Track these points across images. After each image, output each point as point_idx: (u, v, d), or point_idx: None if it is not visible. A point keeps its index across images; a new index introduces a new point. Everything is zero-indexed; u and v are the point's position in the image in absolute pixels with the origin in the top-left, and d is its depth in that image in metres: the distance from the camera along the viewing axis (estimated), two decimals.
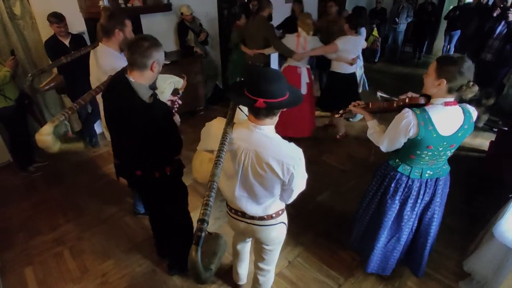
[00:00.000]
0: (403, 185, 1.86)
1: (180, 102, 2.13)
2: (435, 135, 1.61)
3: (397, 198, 1.90)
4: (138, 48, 1.55)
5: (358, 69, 4.16)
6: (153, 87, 1.74)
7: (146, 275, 2.35)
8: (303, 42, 3.54)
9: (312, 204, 3.01)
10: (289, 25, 4.78)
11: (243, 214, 1.56)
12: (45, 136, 1.55)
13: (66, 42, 3.40)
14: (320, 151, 3.90)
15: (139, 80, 1.61)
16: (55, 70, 3.27)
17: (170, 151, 1.81)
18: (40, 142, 1.55)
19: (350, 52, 3.51)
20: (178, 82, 2.23)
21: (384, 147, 1.82)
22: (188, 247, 2.22)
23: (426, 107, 1.63)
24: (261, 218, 1.54)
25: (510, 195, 2.08)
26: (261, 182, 1.39)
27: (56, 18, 3.25)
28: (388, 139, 1.77)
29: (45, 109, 4.00)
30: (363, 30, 4.14)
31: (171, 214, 2.13)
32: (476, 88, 1.53)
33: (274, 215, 1.55)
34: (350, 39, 3.44)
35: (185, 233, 2.18)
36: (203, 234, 1.01)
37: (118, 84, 1.65)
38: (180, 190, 2.09)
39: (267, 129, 1.35)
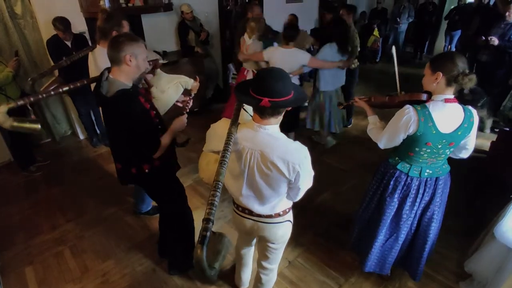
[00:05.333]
0: (402, 183, 1.85)
1: (191, 103, 2.10)
2: (434, 132, 1.61)
3: (396, 196, 1.89)
4: (112, 43, 1.60)
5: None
6: (138, 82, 1.78)
7: (146, 274, 2.35)
8: (246, 45, 3.61)
9: (312, 204, 3.01)
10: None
11: (250, 212, 1.56)
12: None
13: (68, 42, 3.42)
14: (320, 151, 3.90)
15: (118, 76, 1.63)
16: (55, 71, 3.27)
17: (139, 149, 1.75)
18: None
19: (281, 64, 2.87)
20: (187, 82, 2.22)
21: (382, 144, 1.81)
22: (186, 246, 2.19)
23: (427, 104, 1.64)
24: (269, 216, 1.54)
25: (511, 196, 2.07)
26: (267, 181, 1.39)
27: (62, 26, 3.26)
28: (387, 135, 1.76)
29: (46, 108, 4.01)
30: (329, 47, 3.38)
31: (167, 213, 2.12)
32: (473, 76, 1.52)
33: (281, 213, 1.55)
34: (277, 51, 3.22)
35: (181, 232, 2.18)
36: (208, 233, 1.01)
37: (98, 80, 1.72)
38: (168, 189, 2.06)
39: (272, 128, 1.35)
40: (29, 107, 1.83)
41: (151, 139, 1.74)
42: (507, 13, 3.96)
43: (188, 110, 1.97)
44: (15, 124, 1.81)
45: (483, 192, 2.89)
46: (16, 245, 2.63)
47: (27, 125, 1.88)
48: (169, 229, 2.20)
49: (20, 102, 1.75)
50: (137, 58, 1.62)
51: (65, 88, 1.87)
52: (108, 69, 1.69)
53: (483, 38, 4.07)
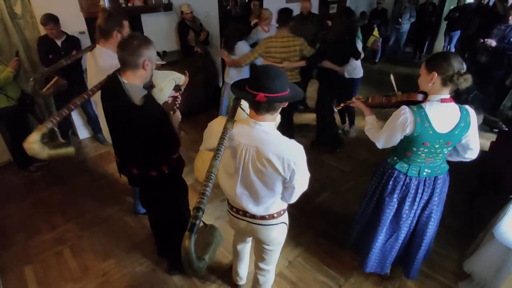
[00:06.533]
0: (401, 183, 1.86)
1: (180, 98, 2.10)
2: (431, 132, 1.62)
3: (395, 196, 1.90)
4: (128, 47, 1.55)
5: None
6: (148, 85, 1.75)
7: (146, 274, 2.35)
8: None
9: (312, 204, 3.01)
10: None
11: (244, 213, 1.56)
12: (32, 144, 1.56)
13: (59, 42, 3.39)
14: (320, 152, 3.91)
15: (132, 80, 1.60)
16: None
17: (165, 151, 1.79)
18: (29, 150, 1.56)
19: None
20: (179, 78, 2.22)
21: (380, 144, 1.82)
22: None
23: (423, 104, 1.65)
24: (262, 218, 1.54)
25: (511, 196, 2.08)
26: (262, 179, 1.39)
27: (47, 20, 3.23)
28: (384, 135, 1.77)
29: (46, 109, 4.00)
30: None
31: (172, 213, 2.12)
32: (469, 76, 1.53)
33: (275, 214, 1.55)
34: None
35: (183, 231, 2.18)
36: (197, 221, 1.01)
37: (111, 86, 1.66)
38: (180, 188, 2.08)
39: (267, 125, 1.36)
40: (56, 129, 1.70)
41: (175, 138, 1.77)
42: (510, 17, 3.96)
43: (178, 106, 1.96)
44: (52, 152, 1.67)
45: (482, 192, 2.89)
46: (16, 244, 2.63)
47: (63, 150, 1.74)
48: (172, 228, 2.19)
49: (49, 125, 1.62)
50: (152, 61, 1.62)
51: (82, 100, 1.78)
52: (119, 72, 1.64)
53: (481, 40, 4.09)
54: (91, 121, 4.12)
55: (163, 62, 3.52)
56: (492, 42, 3.99)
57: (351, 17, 3.49)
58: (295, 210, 2.65)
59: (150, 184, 1.92)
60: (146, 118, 1.60)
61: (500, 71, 4.23)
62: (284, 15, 3.29)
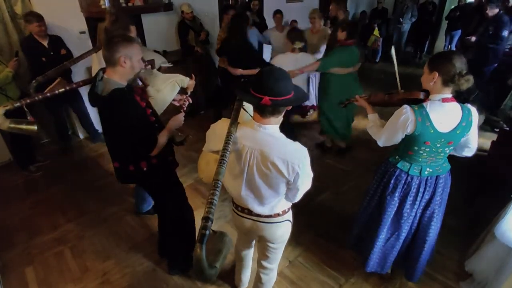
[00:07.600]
0: (402, 181, 1.86)
1: (190, 100, 2.12)
2: (432, 131, 1.61)
3: (396, 194, 1.89)
4: (107, 44, 1.61)
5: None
6: (131, 82, 1.79)
7: (146, 274, 2.35)
8: None
9: (313, 204, 3.01)
10: None
11: (250, 212, 1.56)
12: None
13: (45, 42, 3.31)
14: (321, 152, 3.90)
15: (112, 76, 1.65)
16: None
17: (137, 148, 1.76)
18: None
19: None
20: (182, 80, 2.22)
21: (381, 142, 1.83)
22: (186, 246, 2.20)
23: (424, 103, 1.64)
24: (268, 216, 1.55)
25: (511, 195, 2.07)
26: (266, 181, 1.39)
27: (37, 17, 3.18)
28: (386, 134, 1.78)
29: (46, 108, 3.99)
30: None
31: (166, 212, 2.12)
32: (470, 77, 1.52)
33: (280, 213, 1.56)
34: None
35: (182, 231, 2.18)
36: (207, 232, 1.02)
37: (93, 81, 1.74)
38: (167, 187, 2.06)
39: (272, 128, 1.35)
40: (26, 109, 1.83)
41: (148, 137, 1.75)
42: (486, 11, 3.99)
43: (185, 109, 1.97)
44: (12, 125, 1.84)
45: (483, 192, 2.89)
46: (16, 245, 2.63)
47: (24, 126, 1.90)
48: (168, 228, 2.20)
49: (17, 104, 1.77)
50: (131, 59, 1.63)
51: (61, 90, 1.88)
52: (103, 70, 1.70)
53: (466, 37, 4.13)
54: (85, 122, 4.07)
55: (170, 65, 3.52)
56: (472, 38, 4.00)
57: (237, 21, 3.38)
58: (296, 209, 2.63)
59: (132, 179, 1.97)
60: (110, 108, 1.64)
61: (488, 67, 4.23)
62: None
